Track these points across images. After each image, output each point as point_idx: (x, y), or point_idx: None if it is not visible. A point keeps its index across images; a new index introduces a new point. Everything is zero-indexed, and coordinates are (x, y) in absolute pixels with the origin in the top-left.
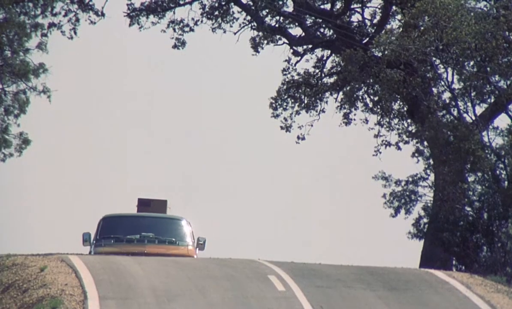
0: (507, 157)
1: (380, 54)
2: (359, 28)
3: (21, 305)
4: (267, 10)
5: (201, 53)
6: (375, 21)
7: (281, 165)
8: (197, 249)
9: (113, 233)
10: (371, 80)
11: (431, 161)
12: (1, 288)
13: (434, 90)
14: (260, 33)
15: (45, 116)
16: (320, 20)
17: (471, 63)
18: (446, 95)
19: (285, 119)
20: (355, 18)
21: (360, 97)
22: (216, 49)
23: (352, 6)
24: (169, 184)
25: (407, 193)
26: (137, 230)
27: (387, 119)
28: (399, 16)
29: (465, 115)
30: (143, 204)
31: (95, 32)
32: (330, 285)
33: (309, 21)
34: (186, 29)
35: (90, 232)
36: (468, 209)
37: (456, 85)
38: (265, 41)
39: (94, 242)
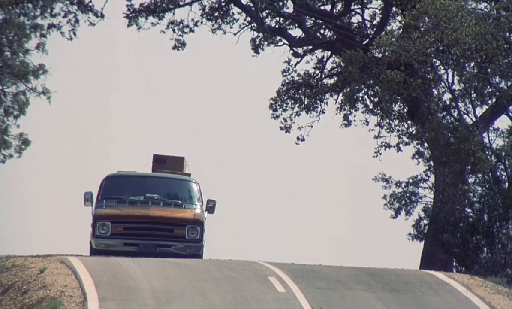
0: (507, 158)
1: (380, 56)
2: (359, 29)
3: (21, 307)
4: (267, 11)
5: (201, 54)
6: (375, 22)
7: (280, 165)
8: (206, 212)
9: (116, 193)
10: (371, 82)
11: (431, 162)
12: (1, 290)
13: (435, 91)
14: (260, 34)
15: (45, 118)
16: (320, 21)
17: (472, 64)
18: (447, 96)
19: (285, 120)
20: (355, 19)
21: (360, 99)
22: (216, 50)
23: (352, 7)
24: None
25: (408, 194)
26: (142, 190)
27: (388, 121)
28: (399, 17)
29: (465, 116)
30: (159, 160)
31: (94, 33)
32: (330, 287)
33: (309, 22)
34: (186, 30)
35: (92, 191)
36: (469, 210)
37: (456, 87)
38: (265, 43)
39: (96, 202)
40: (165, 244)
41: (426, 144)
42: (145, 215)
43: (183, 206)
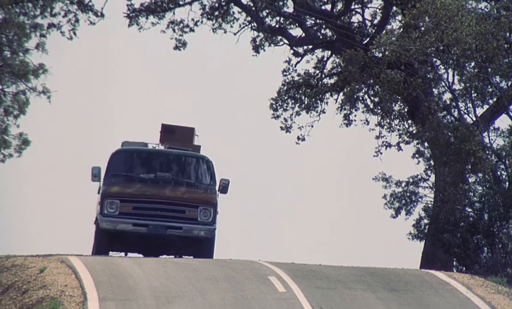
0: (508, 158)
1: (380, 55)
2: (360, 29)
3: (21, 306)
4: (267, 11)
5: (201, 53)
6: (375, 21)
7: (281, 165)
8: (219, 192)
9: (125, 170)
10: (372, 81)
11: (431, 162)
12: (1, 289)
13: (435, 91)
14: (261, 34)
15: (44, 117)
16: (321, 21)
17: (472, 64)
18: (447, 96)
19: (285, 120)
20: (356, 18)
21: (361, 98)
22: (217, 50)
23: (352, 7)
24: None
25: (408, 194)
26: (152, 168)
27: (388, 120)
28: (399, 17)
29: (465, 116)
30: (168, 130)
31: (94, 33)
32: (330, 286)
33: (309, 21)
34: (186, 29)
35: (100, 166)
36: (469, 210)
37: (456, 86)
38: (266, 42)
39: (104, 178)
40: (176, 225)
41: (426, 144)
42: (156, 195)
43: (196, 186)
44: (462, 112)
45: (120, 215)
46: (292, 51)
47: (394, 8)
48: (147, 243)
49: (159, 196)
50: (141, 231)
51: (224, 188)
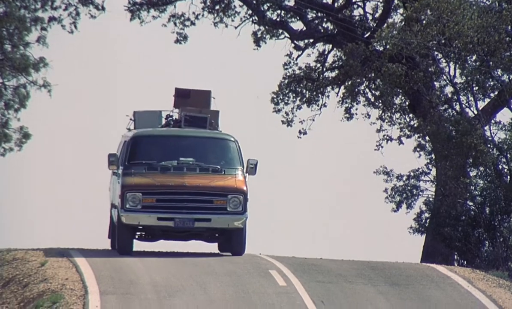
0: (509, 152)
1: (382, 49)
2: (361, 22)
3: (22, 300)
4: (268, 4)
5: (202, 47)
6: (376, 15)
7: (282, 159)
8: (247, 175)
9: (145, 157)
10: (373, 75)
11: (433, 156)
12: (2, 283)
13: (436, 84)
14: (262, 27)
15: (45, 111)
16: (322, 14)
17: (474, 57)
18: (448, 89)
19: (287, 113)
20: (357, 12)
21: (362, 92)
22: (218, 44)
23: (353, 0)
24: None
25: (409, 188)
26: (173, 152)
27: (389, 114)
28: (401, 10)
29: (467, 109)
30: (182, 95)
31: (95, 26)
32: (331, 280)
33: (310, 15)
34: (187, 23)
35: (116, 153)
36: (470, 203)
37: (458, 80)
38: (267, 36)
39: (122, 168)
40: (204, 218)
41: (427, 138)
42: (181, 184)
43: (223, 171)
44: (463, 106)
45: (143, 209)
46: (293, 45)
47: (396, 1)
48: (174, 235)
49: (184, 186)
50: (167, 225)
51: (252, 169)
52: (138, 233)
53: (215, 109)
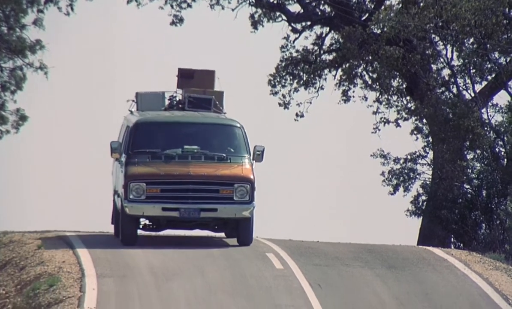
0: (506, 134)
1: (379, 31)
2: (358, 5)
3: (19, 283)
4: None
5: (199, 30)
6: None
7: (279, 142)
8: (254, 162)
9: (148, 145)
10: (370, 58)
11: (430, 139)
12: None
13: (434, 67)
14: (259, 10)
15: (42, 93)
16: None
17: (471, 40)
18: (446, 72)
19: (284, 96)
20: None
21: (359, 75)
22: (214, 26)
23: None
24: None
25: (406, 171)
26: (178, 140)
27: (386, 97)
28: None
29: (464, 92)
30: (185, 75)
31: (92, 9)
32: (328, 263)
33: None
34: (184, 5)
35: (119, 141)
36: (467, 186)
37: (455, 62)
38: (265, 19)
39: (125, 156)
40: (210, 207)
41: (424, 121)
42: (186, 174)
43: (229, 159)
44: (460, 88)
45: (148, 200)
46: (290, 28)
47: None
48: (179, 225)
49: (189, 175)
50: (172, 216)
51: (259, 156)
52: (142, 223)
53: (219, 90)
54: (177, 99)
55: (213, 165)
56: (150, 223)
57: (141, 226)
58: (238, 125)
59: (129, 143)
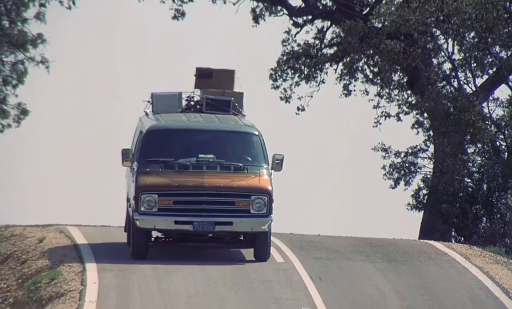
0: (507, 128)
1: (380, 25)
2: None
3: (20, 276)
4: None
5: (200, 24)
6: None
7: (280, 136)
8: (273, 171)
9: (160, 153)
10: (371, 52)
11: (431, 132)
12: (0, 259)
13: (434, 61)
14: (260, 4)
15: (43, 87)
16: None
17: (472, 34)
18: (447, 66)
19: (285, 90)
20: None
21: (360, 69)
22: (216, 20)
23: None
24: None
25: (407, 165)
26: (192, 148)
27: (387, 91)
28: None
29: (465, 86)
30: (203, 75)
31: (93, 2)
32: (329, 257)
33: None
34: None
35: (130, 148)
36: (468, 180)
37: (456, 56)
38: (266, 13)
39: (137, 164)
40: (225, 221)
41: (425, 114)
42: (200, 185)
43: (246, 169)
44: (461, 82)
45: (160, 212)
46: (291, 22)
47: None
48: (192, 240)
49: (204, 186)
50: (185, 229)
51: (278, 165)
52: (153, 236)
53: (239, 91)
54: (195, 100)
55: (229, 175)
56: (162, 236)
57: (152, 239)
58: (256, 133)
59: (141, 152)
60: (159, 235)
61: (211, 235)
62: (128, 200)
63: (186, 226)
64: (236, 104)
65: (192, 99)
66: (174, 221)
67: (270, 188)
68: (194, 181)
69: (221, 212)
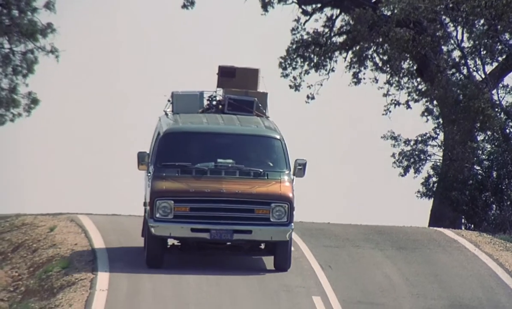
0: None
1: (389, 13)
2: None
3: (31, 265)
4: None
5: (209, 12)
6: None
7: (290, 124)
8: (295, 177)
9: (178, 157)
10: (381, 40)
11: (440, 120)
12: (11, 248)
13: (444, 49)
14: None
15: (53, 76)
16: None
17: (481, 21)
18: (456, 54)
19: (294, 78)
20: None
21: (370, 57)
22: (225, 9)
23: None
24: None
25: (417, 152)
26: (211, 152)
27: (397, 79)
28: None
29: (474, 74)
30: (226, 73)
31: None
32: (338, 245)
33: None
34: None
35: (147, 151)
36: (477, 167)
37: (466, 44)
38: (275, 1)
39: (153, 168)
40: (244, 229)
41: (435, 102)
42: (218, 191)
43: (266, 175)
44: (471, 70)
45: (176, 219)
46: (300, 10)
47: None
48: (209, 248)
49: (222, 193)
50: (202, 237)
51: (300, 171)
52: (169, 244)
53: (263, 91)
54: (217, 100)
55: (249, 182)
56: (179, 244)
57: (168, 246)
58: (278, 136)
59: (158, 155)
60: (175, 242)
61: (229, 243)
62: (144, 204)
63: (203, 234)
64: (260, 105)
65: (214, 99)
66: (190, 229)
67: (291, 195)
68: (212, 187)
69: (240, 219)
